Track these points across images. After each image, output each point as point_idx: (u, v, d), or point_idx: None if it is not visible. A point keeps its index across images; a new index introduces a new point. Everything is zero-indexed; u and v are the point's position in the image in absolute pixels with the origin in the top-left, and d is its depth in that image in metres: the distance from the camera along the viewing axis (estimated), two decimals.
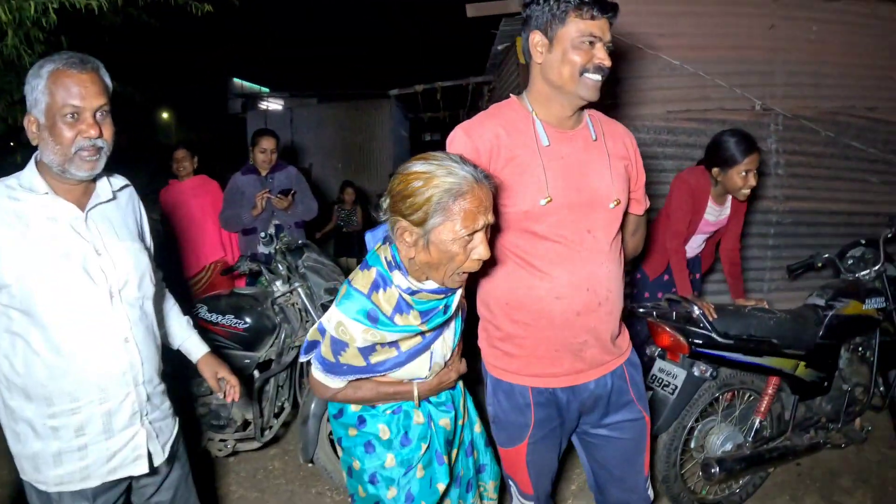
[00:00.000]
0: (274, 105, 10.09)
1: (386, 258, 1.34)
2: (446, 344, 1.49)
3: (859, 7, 3.57)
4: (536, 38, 1.47)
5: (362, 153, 9.73)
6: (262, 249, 2.72)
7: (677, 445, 2.43)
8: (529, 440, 1.61)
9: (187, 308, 2.00)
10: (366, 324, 1.29)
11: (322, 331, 1.37)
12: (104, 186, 1.47)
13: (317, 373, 1.40)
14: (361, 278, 1.34)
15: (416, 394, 1.46)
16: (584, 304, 1.53)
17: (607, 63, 1.42)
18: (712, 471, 2.33)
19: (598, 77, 1.43)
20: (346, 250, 6.38)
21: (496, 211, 1.46)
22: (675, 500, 2.47)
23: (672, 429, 2.41)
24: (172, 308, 1.80)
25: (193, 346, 1.79)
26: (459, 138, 1.53)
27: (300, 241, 2.82)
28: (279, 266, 2.74)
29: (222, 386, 1.76)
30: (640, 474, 1.73)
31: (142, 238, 1.59)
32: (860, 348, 2.68)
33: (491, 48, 5.88)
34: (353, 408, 1.49)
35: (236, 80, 12.20)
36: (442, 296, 1.35)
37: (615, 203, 1.55)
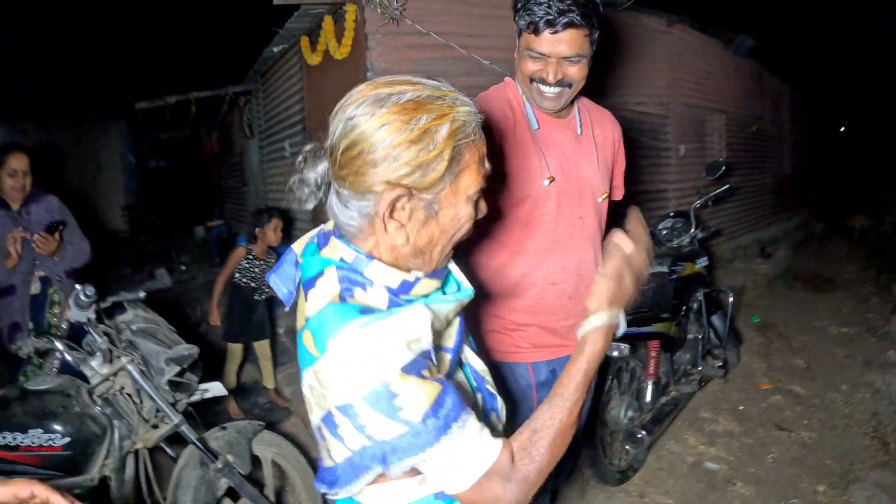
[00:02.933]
0: None
1: (342, 258, 0.86)
2: (472, 348, 1.07)
3: (629, 18, 4.42)
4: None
5: (89, 184, 8.08)
6: (76, 316, 1.92)
7: (597, 427, 2.60)
8: None
9: None
10: (375, 316, 0.78)
11: (331, 420, 0.81)
12: None
13: (456, 476, 0.79)
14: (317, 294, 0.84)
15: (606, 317, 0.93)
16: (574, 288, 1.64)
17: (550, 79, 1.48)
18: (639, 436, 2.57)
19: (547, 89, 1.51)
20: (248, 326, 3.65)
21: (492, 199, 1.37)
22: (602, 478, 2.64)
23: (592, 412, 2.57)
24: None
25: None
26: None
27: (123, 295, 2.10)
28: (95, 337, 1.97)
29: None
30: (571, 450, 1.89)
31: None
32: (694, 302, 3.28)
33: (260, 52, 5.41)
34: None
35: None
36: (439, 282, 0.93)
37: (604, 197, 1.69)
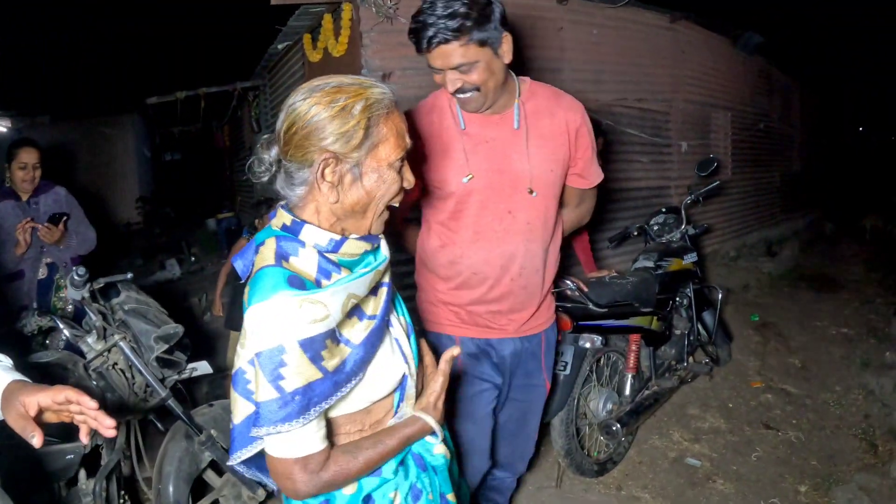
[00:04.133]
0: None
1: (284, 223, 1.05)
2: (402, 325, 1.21)
3: (629, 14, 4.50)
4: None
5: (104, 176, 8.39)
6: (71, 295, 2.10)
7: (573, 418, 2.69)
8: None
9: None
10: (295, 292, 0.94)
11: (242, 377, 1.00)
12: None
13: (276, 444, 0.96)
14: (259, 258, 1.02)
15: (431, 421, 1.13)
16: (496, 279, 1.76)
17: (449, 88, 1.57)
18: (614, 429, 2.65)
19: (461, 96, 1.60)
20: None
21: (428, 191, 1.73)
22: (579, 469, 2.73)
23: (567, 403, 2.66)
24: None
25: None
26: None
27: (114, 276, 2.28)
28: (90, 315, 2.15)
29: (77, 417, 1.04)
30: (530, 437, 2.07)
31: None
32: (682, 297, 3.35)
33: (266, 49, 5.59)
34: (348, 489, 1.09)
35: None
36: (370, 245, 1.11)
37: (530, 191, 1.72)
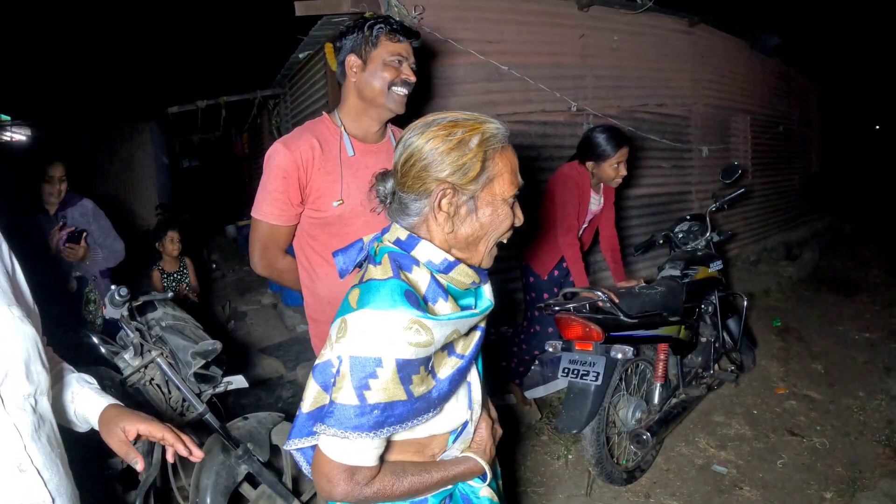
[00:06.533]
0: (18, 135, 8.21)
1: (398, 238, 1.06)
2: (477, 373, 1.18)
3: (649, 19, 4.45)
4: (352, 59, 1.75)
5: (123, 183, 8.45)
6: (110, 313, 2.10)
7: (603, 427, 2.67)
8: None
9: None
10: (412, 311, 0.94)
11: (327, 369, 0.98)
12: None
13: (335, 446, 0.96)
14: (378, 270, 1.02)
15: (483, 462, 1.12)
16: None
17: (412, 78, 1.75)
18: (644, 438, 2.62)
19: (404, 91, 1.75)
20: None
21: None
22: (608, 477, 2.71)
23: (598, 413, 2.63)
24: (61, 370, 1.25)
25: (88, 403, 1.19)
26: (280, 151, 1.72)
27: (153, 295, 2.27)
28: (128, 332, 2.14)
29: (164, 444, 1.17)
30: None
31: (19, 299, 1.04)
32: (708, 305, 3.31)
33: (287, 58, 5.59)
34: None
35: None
36: (478, 277, 1.10)
37: None
